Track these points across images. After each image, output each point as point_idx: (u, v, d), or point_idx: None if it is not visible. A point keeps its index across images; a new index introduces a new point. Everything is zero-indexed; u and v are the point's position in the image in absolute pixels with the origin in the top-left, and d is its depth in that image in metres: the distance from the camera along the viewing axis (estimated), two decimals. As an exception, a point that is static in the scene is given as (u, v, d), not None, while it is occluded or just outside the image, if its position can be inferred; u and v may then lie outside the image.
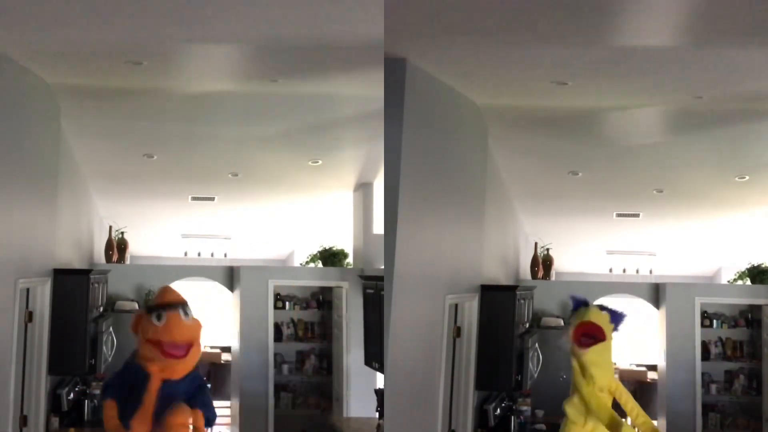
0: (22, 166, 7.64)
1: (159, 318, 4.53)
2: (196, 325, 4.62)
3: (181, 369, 4.59)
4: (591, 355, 5.60)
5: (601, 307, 5.79)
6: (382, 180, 6.88)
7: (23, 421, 7.90)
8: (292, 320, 11.22)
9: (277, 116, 8.92)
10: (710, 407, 10.78)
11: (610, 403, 5.75)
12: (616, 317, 5.77)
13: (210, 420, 4.62)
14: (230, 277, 11.12)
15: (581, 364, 5.63)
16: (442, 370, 7.56)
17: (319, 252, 11.24)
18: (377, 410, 8.40)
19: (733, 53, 6.37)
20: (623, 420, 5.66)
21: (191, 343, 4.58)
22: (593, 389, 5.62)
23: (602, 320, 5.66)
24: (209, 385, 4.91)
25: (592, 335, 5.63)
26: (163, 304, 4.59)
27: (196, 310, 4.90)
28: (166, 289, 4.73)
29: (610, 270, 12.23)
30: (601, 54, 6.54)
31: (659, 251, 11.99)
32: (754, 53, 6.34)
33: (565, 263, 11.88)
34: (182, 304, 4.59)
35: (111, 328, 9.38)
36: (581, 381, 5.65)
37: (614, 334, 5.75)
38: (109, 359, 9.21)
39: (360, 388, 10.08)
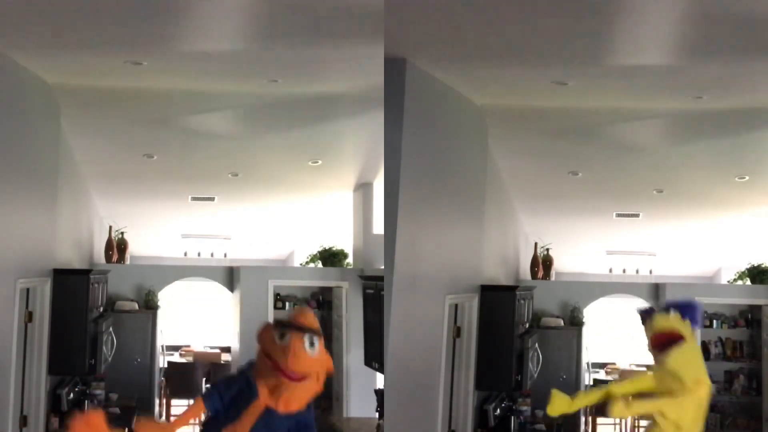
0: (22, 166, 7.63)
1: (282, 336, 4.07)
2: (318, 361, 4.15)
3: (290, 398, 4.08)
4: (674, 358, 5.33)
5: (667, 307, 5.51)
6: (382, 180, 6.88)
7: (23, 421, 7.90)
8: (292, 320, 11.21)
9: (277, 116, 8.92)
10: (710, 407, 10.74)
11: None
12: (686, 310, 5.46)
13: None
14: (230, 277, 11.12)
15: (672, 374, 5.33)
16: (442, 370, 7.56)
17: (319, 252, 11.24)
18: (377, 410, 8.39)
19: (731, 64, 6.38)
20: None
21: (306, 377, 4.13)
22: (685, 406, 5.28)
23: (672, 323, 5.27)
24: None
25: (670, 341, 5.29)
26: (292, 325, 4.13)
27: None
28: (302, 312, 4.27)
29: (610, 270, 12.24)
30: (601, 53, 6.56)
31: (659, 251, 12.00)
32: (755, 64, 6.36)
33: (565, 263, 11.89)
34: (311, 332, 4.13)
35: (111, 328, 9.38)
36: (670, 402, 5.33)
37: (695, 329, 5.47)
38: (109, 359, 9.22)
39: (360, 388, 10.08)
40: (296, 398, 4.11)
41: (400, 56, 6.55)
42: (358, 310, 9.91)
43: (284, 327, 4.11)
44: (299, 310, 4.30)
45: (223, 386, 4.17)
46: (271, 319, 10.83)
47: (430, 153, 7.30)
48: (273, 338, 4.09)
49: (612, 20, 5.69)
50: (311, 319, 4.19)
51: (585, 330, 10.82)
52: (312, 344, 4.09)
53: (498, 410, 8.82)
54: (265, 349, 4.11)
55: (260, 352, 4.16)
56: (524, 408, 9.50)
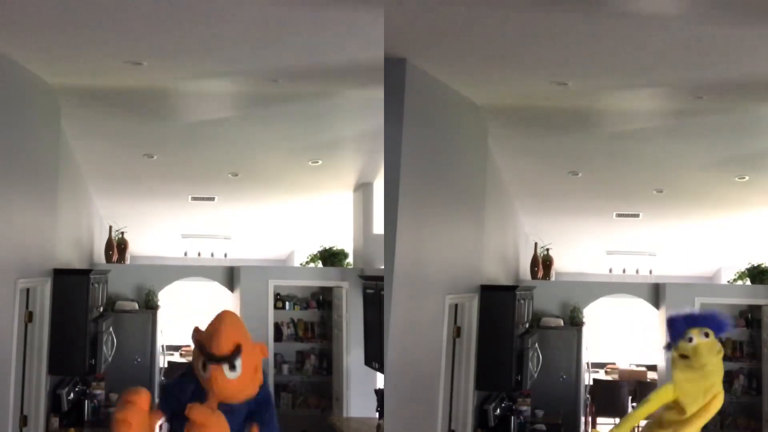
0: (23, 167, 7.64)
1: (204, 367, 3.85)
2: (244, 378, 3.87)
3: (241, 396, 3.95)
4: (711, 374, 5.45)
5: (697, 319, 5.59)
6: (382, 180, 6.88)
7: (23, 421, 7.90)
8: (292, 320, 11.22)
9: (277, 116, 8.92)
10: (710, 407, 10.75)
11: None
12: (719, 327, 5.59)
13: None
14: (230, 277, 11.12)
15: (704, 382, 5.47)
16: (442, 370, 7.56)
17: (319, 252, 11.24)
18: (377, 410, 8.39)
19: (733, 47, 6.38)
20: None
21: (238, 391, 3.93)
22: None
23: (712, 349, 5.39)
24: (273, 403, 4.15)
25: None
26: (206, 355, 3.88)
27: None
28: (214, 335, 3.88)
29: (610, 270, 12.23)
30: (598, 54, 6.56)
31: (659, 251, 12.00)
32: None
33: (565, 263, 11.88)
34: (228, 358, 3.81)
35: (111, 328, 9.38)
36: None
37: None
38: (109, 359, 9.21)
39: (360, 388, 10.08)
40: (248, 391, 3.96)
41: (400, 56, 6.55)
42: (358, 310, 9.91)
43: (202, 354, 3.86)
44: (212, 335, 3.86)
45: (175, 388, 4.02)
46: (270, 320, 10.84)
47: (430, 153, 7.30)
48: (198, 365, 3.88)
49: (612, 20, 5.69)
50: (223, 344, 3.84)
51: (585, 330, 10.82)
52: (232, 368, 3.83)
53: (498, 410, 8.82)
54: (196, 370, 3.93)
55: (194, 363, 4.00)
56: (524, 408, 9.51)
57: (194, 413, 3.74)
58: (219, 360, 3.77)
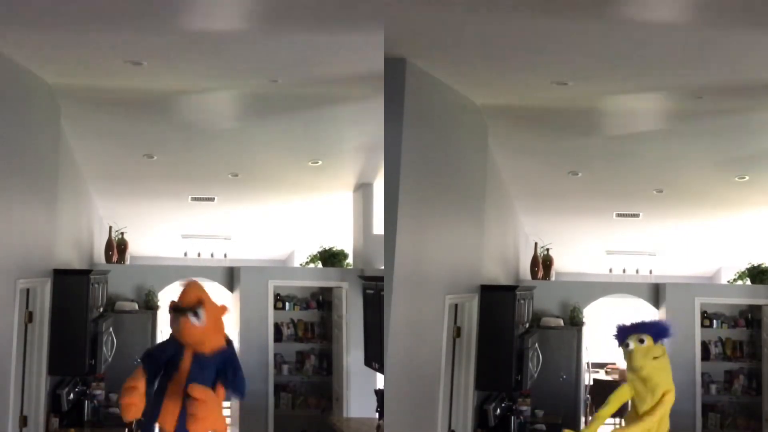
0: (22, 166, 7.64)
1: (175, 320, 4.65)
2: (209, 325, 4.70)
3: (207, 343, 4.68)
4: (652, 371, 5.74)
5: (637, 327, 5.79)
6: (382, 180, 6.88)
7: (23, 421, 7.90)
8: (292, 320, 11.22)
9: (277, 116, 8.92)
10: (710, 407, 10.77)
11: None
12: (658, 333, 5.82)
13: (238, 391, 4.84)
14: (230, 277, 11.12)
15: (647, 383, 5.72)
16: (442, 370, 7.56)
17: (319, 252, 11.24)
18: (377, 410, 8.39)
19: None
20: None
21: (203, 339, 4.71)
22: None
23: (648, 355, 5.76)
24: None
25: None
26: (172, 311, 4.69)
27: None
28: (182, 291, 4.76)
29: (610, 270, 12.23)
30: (598, 54, 6.56)
31: (659, 251, 12.00)
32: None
33: (565, 263, 11.88)
34: (189, 310, 4.62)
35: (111, 328, 9.38)
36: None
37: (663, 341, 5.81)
38: (109, 359, 9.21)
39: (360, 388, 10.08)
40: (213, 340, 4.71)
41: (400, 56, 6.55)
42: (358, 310, 9.91)
43: (173, 312, 4.66)
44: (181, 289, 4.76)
45: (157, 351, 4.81)
46: (270, 320, 10.85)
47: (430, 153, 7.30)
48: (173, 325, 4.68)
49: (612, 21, 5.69)
50: (187, 297, 4.65)
51: (585, 330, 10.82)
52: (195, 316, 4.60)
53: (498, 410, 8.82)
54: (172, 329, 4.73)
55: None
56: (524, 408, 9.51)
57: (195, 391, 4.46)
58: (184, 310, 4.56)
